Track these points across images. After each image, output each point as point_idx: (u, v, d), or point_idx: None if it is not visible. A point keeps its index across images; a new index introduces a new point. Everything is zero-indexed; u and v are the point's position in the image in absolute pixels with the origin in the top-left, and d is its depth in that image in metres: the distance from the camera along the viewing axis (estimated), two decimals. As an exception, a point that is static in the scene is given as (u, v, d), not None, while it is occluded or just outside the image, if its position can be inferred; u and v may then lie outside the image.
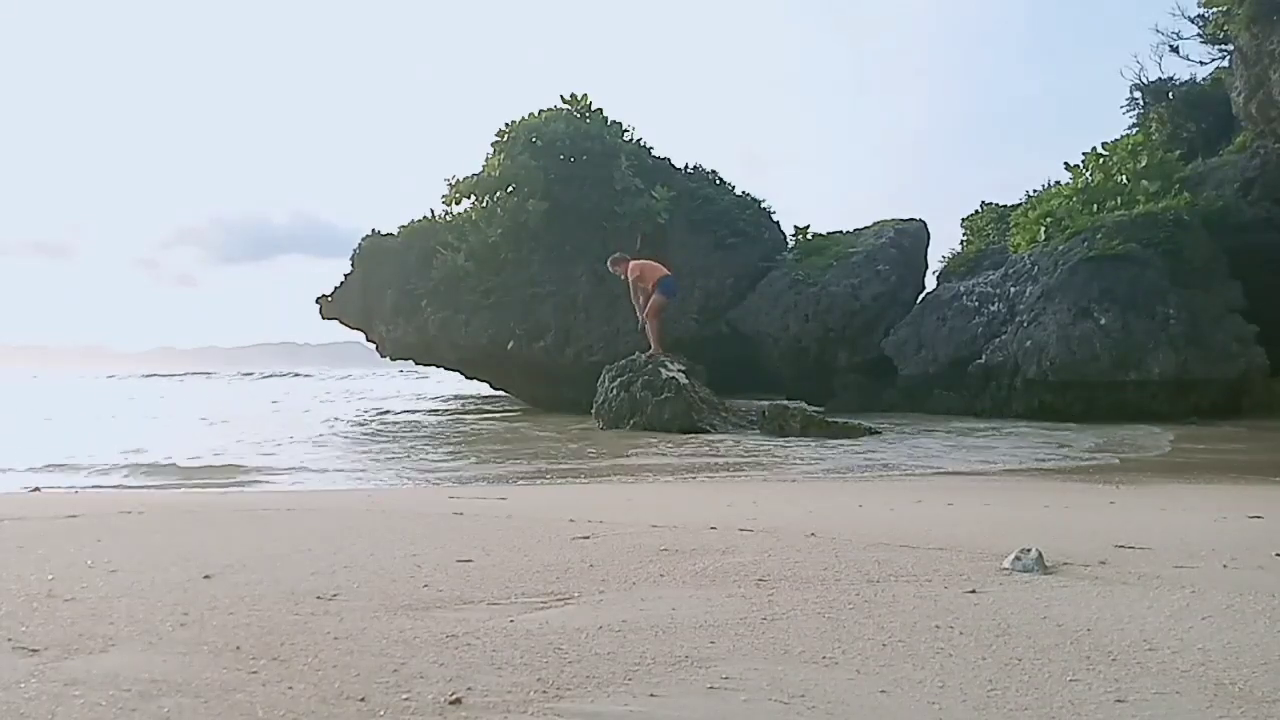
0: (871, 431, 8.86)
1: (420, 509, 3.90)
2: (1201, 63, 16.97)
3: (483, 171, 15.54)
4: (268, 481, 6.02)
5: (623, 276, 11.70)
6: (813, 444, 8.15)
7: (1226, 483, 5.32)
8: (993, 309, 11.81)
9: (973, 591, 2.13)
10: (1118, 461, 6.83)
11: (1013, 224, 13.76)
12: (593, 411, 10.69)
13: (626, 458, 7.35)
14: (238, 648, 1.67)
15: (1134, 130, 16.18)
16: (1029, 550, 2.41)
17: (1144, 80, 17.31)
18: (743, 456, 7.33)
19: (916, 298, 14.00)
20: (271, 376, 36.96)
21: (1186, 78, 17.03)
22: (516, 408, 15.68)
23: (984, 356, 11.47)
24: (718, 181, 16.02)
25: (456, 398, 19.78)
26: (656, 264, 11.62)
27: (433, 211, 16.41)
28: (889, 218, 15.36)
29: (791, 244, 15.71)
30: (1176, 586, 2.19)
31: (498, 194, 15.18)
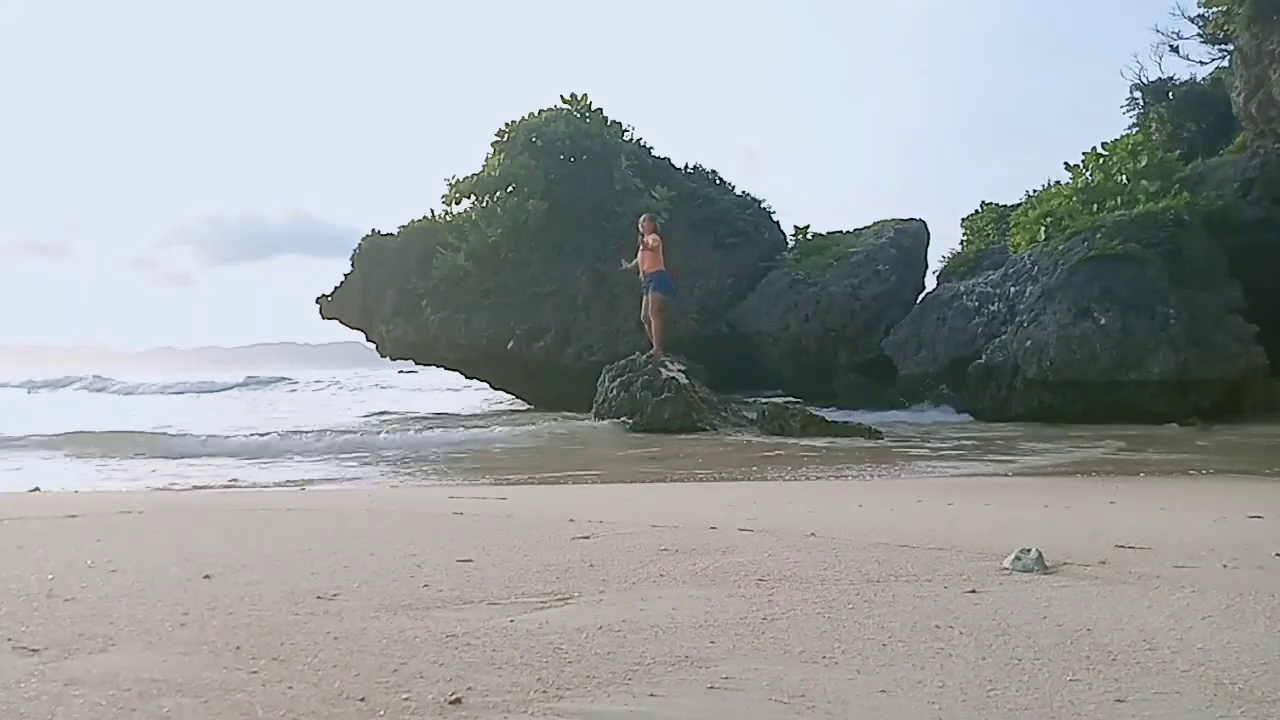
0: (871, 432, 8.86)
1: (420, 509, 3.90)
2: (1201, 63, 16.98)
3: (483, 171, 15.55)
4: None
5: (642, 234, 11.70)
6: (812, 444, 8.15)
7: (1226, 483, 5.31)
8: (993, 309, 11.80)
9: (973, 591, 2.13)
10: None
11: (1013, 224, 13.75)
12: (592, 411, 10.69)
13: (628, 456, 7.35)
14: (238, 648, 1.67)
15: (1134, 130, 16.16)
16: (1029, 550, 2.41)
17: (1144, 80, 17.31)
18: (742, 456, 7.33)
19: (916, 298, 13.99)
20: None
21: (1186, 78, 17.04)
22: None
23: (984, 356, 11.46)
24: (718, 181, 16.04)
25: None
26: (660, 258, 11.62)
27: (433, 211, 16.43)
28: (889, 218, 15.37)
29: (791, 244, 15.72)
30: (1176, 586, 2.19)
31: (498, 194, 15.20)
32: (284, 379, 33.94)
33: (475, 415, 14.21)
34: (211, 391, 27.78)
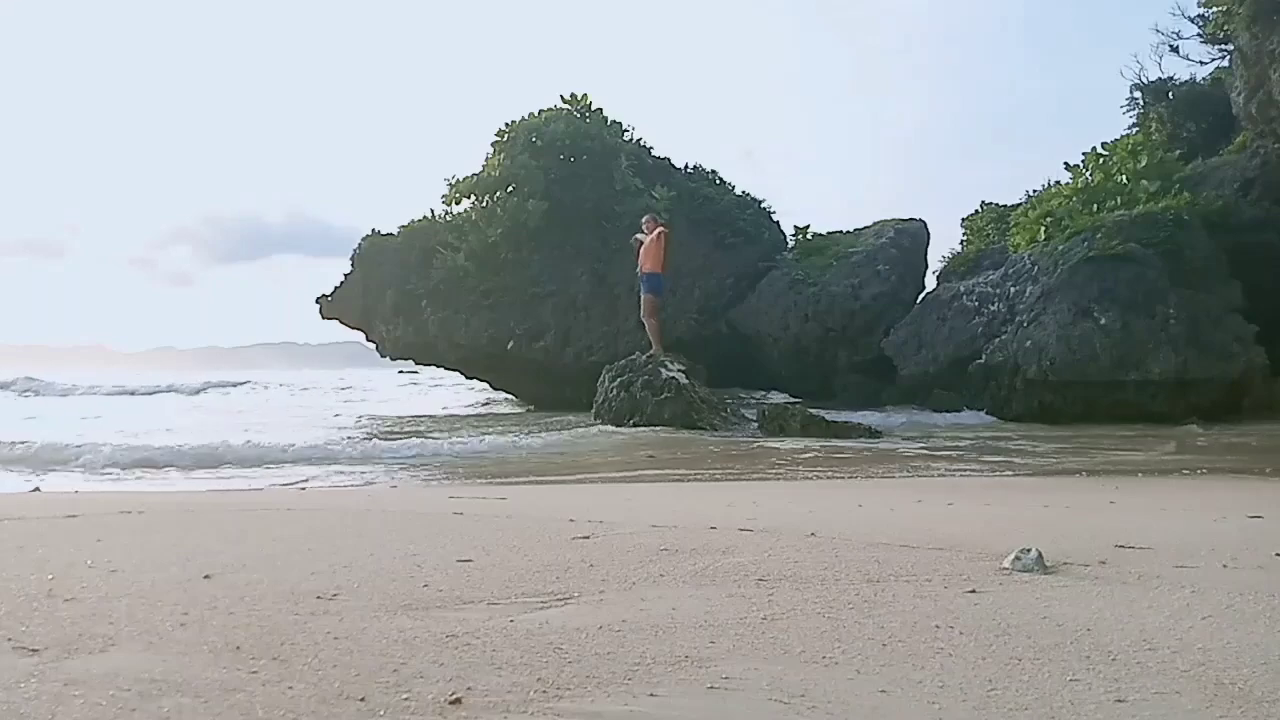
0: (871, 432, 8.86)
1: (420, 509, 3.90)
2: (1201, 63, 16.96)
3: (483, 171, 15.55)
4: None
5: (645, 231, 11.73)
6: (813, 444, 8.15)
7: (1226, 482, 5.31)
8: (993, 309, 11.81)
9: (973, 591, 2.13)
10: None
11: (1013, 224, 13.76)
12: (593, 412, 10.70)
13: (628, 457, 7.35)
14: (238, 648, 1.67)
15: (1134, 130, 16.16)
16: (1029, 550, 2.41)
17: (1144, 80, 17.30)
18: (743, 456, 7.33)
19: (916, 297, 13.99)
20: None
21: (1186, 78, 17.02)
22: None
23: (984, 356, 11.46)
24: (718, 181, 16.03)
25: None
26: (661, 256, 11.62)
27: (433, 211, 16.42)
28: (889, 218, 15.36)
29: (791, 244, 15.72)
30: (1176, 586, 2.19)
31: (498, 194, 15.19)
32: (246, 381, 31.21)
33: (483, 417, 14.19)
34: (156, 393, 25.23)
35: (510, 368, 15.96)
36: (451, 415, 14.59)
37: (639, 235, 11.89)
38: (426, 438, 8.88)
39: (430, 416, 14.01)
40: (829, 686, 1.47)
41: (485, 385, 18.35)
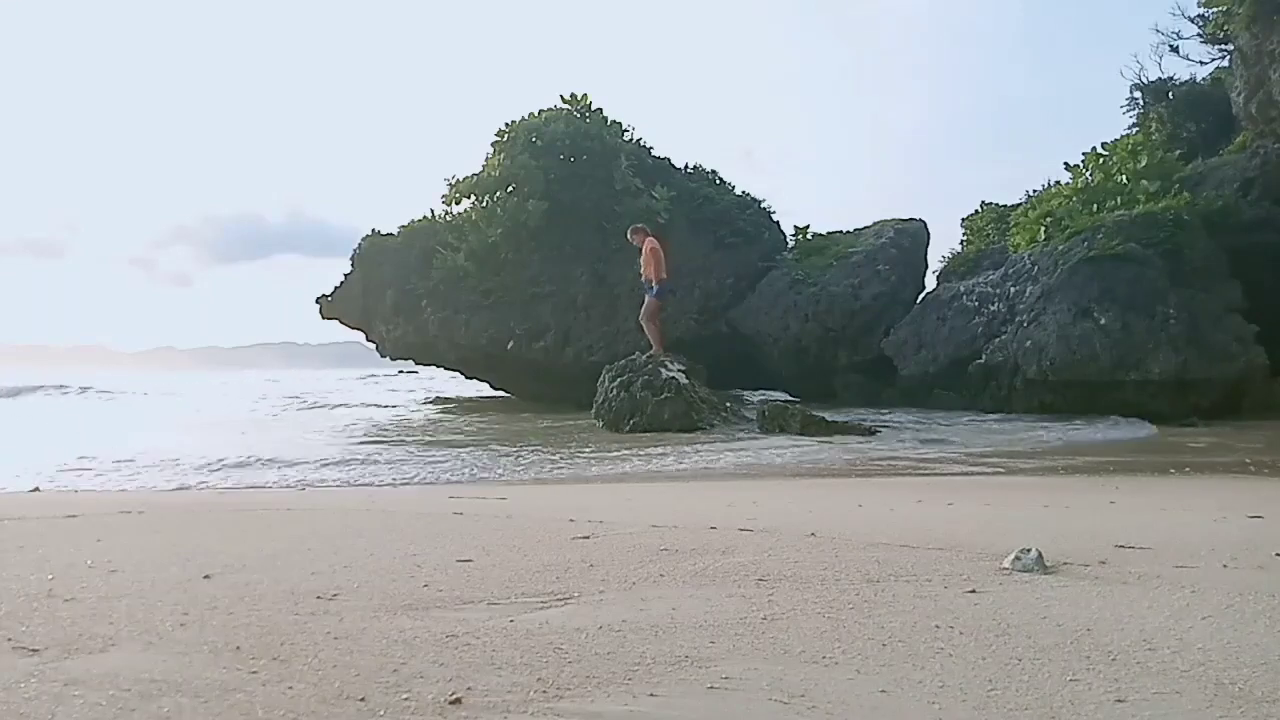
0: (871, 431, 8.86)
1: (420, 509, 3.90)
2: (1201, 63, 17.00)
3: (483, 171, 15.56)
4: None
5: (638, 246, 11.73)
6: (812, 444, 8.14)
7: (1226, 482, 5.31)
8: (993, 309, 11.81)
9: (973, 591, 2.13)
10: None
11: (1013, 224, 13.76)
12: (593, 412, 10.69)
13: (625, 458, 7.35)
14: (238, 648, 1.67)
15: (1134, 130, 16.18)
16: (1029, 550, 2.41)
17: (1144, 80, 17.33)
18: (742, 456, 7.32)
19: (916, 298, 13.99)
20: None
21: (1186, 78, 17.07)
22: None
23: (984, 356, 11.46)
24: (718, 181, 16.04)
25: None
26: (662, 258, 11.58)
27: (433, 211, 16.44)
28: (889, 218, 15.36)
29: (791, 244, 15.72)
30: (1176, 586, 2.19)
31: (498, 194, 15.20)
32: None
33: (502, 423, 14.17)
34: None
35: (510, 368, 15.97)
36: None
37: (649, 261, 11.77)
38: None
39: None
40: (829, 686, 1.47)
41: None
